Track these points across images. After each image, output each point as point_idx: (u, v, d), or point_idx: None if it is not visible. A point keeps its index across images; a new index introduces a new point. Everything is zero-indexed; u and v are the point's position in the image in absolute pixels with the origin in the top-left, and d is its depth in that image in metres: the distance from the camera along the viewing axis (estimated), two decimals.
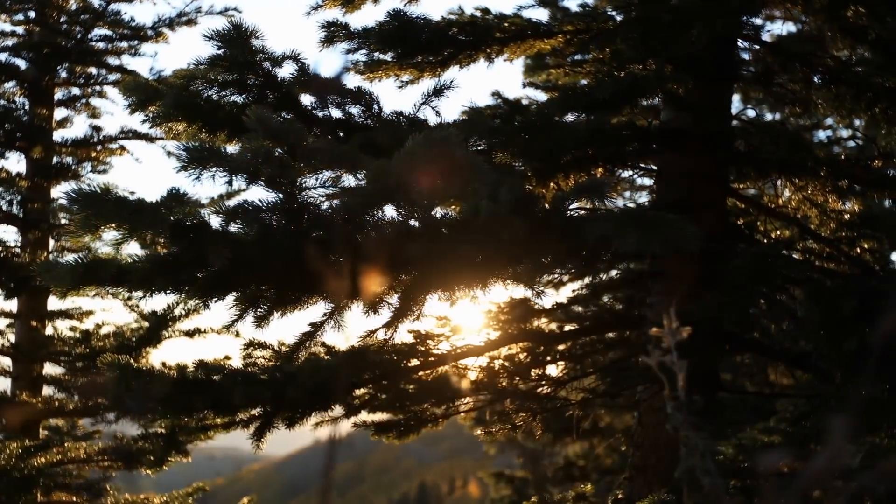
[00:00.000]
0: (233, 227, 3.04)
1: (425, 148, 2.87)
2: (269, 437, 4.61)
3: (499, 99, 4.53)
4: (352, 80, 5.47)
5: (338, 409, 4.36)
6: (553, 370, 4.90)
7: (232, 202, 3.13)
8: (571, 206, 3.33)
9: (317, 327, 3.48)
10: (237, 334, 5.50)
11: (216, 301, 3.16)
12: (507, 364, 4.75)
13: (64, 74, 6.66)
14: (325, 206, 3.04)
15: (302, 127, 2.86)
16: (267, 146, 2.75)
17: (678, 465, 4.19)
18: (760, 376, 10.63)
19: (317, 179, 2.95)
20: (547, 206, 3.26)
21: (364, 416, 4.70)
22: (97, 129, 6.70)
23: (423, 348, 4.41)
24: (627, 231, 3.05)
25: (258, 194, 2.97)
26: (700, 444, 1.93)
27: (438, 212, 3.25)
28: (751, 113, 5.09)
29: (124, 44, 6.49)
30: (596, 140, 3.82)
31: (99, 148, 6.70)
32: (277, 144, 2.79)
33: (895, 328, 1.32)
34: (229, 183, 2.78)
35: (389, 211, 3.21)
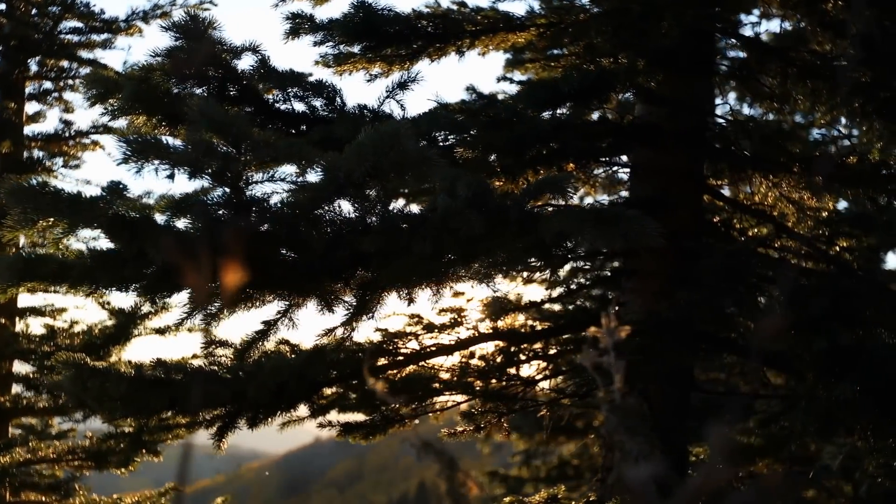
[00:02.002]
0: (181, 223, 2.96)
1: (374, 141, 2.79)
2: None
3: (473, 93, 4.44)
4: (321, 74, 5.40)
5: (303, 409, 4.29)
6: (528, 370, 4.82)
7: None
8: (533, 203, 3.24)
9: (270, 325, 3.40)
10: (207, 332, 5.39)
11: (164, 298, 3.08)
12: (480, 363, 4.67)
13: (35, 68, 6.57)
14: (274, 200, 2.95)
15: (246, 119, 2.78)
16: (209, 138, 2.67)
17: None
18: (753, 376, 10.54)
19: (264, 173, 2.87)
20: (508, 202, 3.18)
21: (335, 415, 4.63)
22: (68, 123, 6.62)
23: (390, 347, 4.33)
24: (585, 227, 2.97)
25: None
26: (634, 449, 1.85)
27: (396, 207, 3.17)
28: (727, 108, 5.00)
29: (97, 37, 6.40)
30: (560, 135, 3.73)
31: (71, 143, 6.61)
32: (221, 137, 2.70)
33: (776, 327, 1.24)
34: (171, 177, 2.69)
35: (346, 206, 3.14)
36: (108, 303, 5.67)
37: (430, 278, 3.09)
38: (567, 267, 5.53)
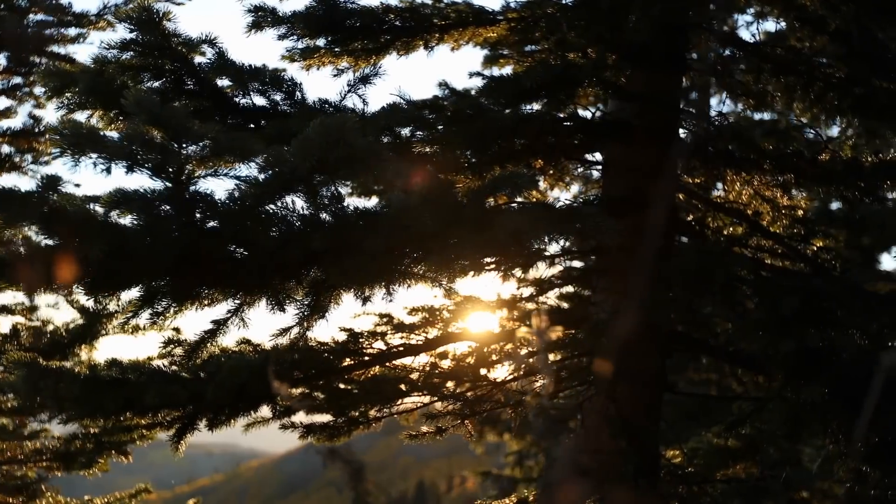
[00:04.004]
0: (126, 220, 2.88)
1: (320, 135, 2.70)
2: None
3: (446, 89, 4.35)
4: (290, 69, 5.29)
5: (265, 410, 4.19)
6: (501, 370, 4.73)
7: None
8: (491, 200, 3.16)
9: (220, 325, 3.31)
10: (178, 331, 5.31)
11: (108, 297, 2.99)
12: (452, 364, 4.59)
13: (3, 62, 6.49)
14: (220, 196, 2.87)
15: (187, 111, 2.69)
16: (146, 131, 2.58)
17: (621, 469, 3.97)
18: (748, 377, 10.48)
19: (207, 168, 2.79)
20: (464, 199, 3.09)
21: (302, 416, 4.54)
22: (37, 119, 6.55)
23: (354, 347, 4.25)
24: (541, 225, 2.89)
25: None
26: (560, 454, 1.78)
27: (350, 204, 3.08)
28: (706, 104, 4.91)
29: (67, 31, 6.31)
30: (522, 130, 3.64)
31: (41, 139, 6.53)
32: (160, 130, 2.62)
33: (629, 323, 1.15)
34: (107, 170, 2.61)
35: (299, 203, 3.05)
36: (77, 300, 5.58)
37: (382, 276, 3.01)
38: (558, 268, 5.46)
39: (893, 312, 3.92)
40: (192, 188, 2.80)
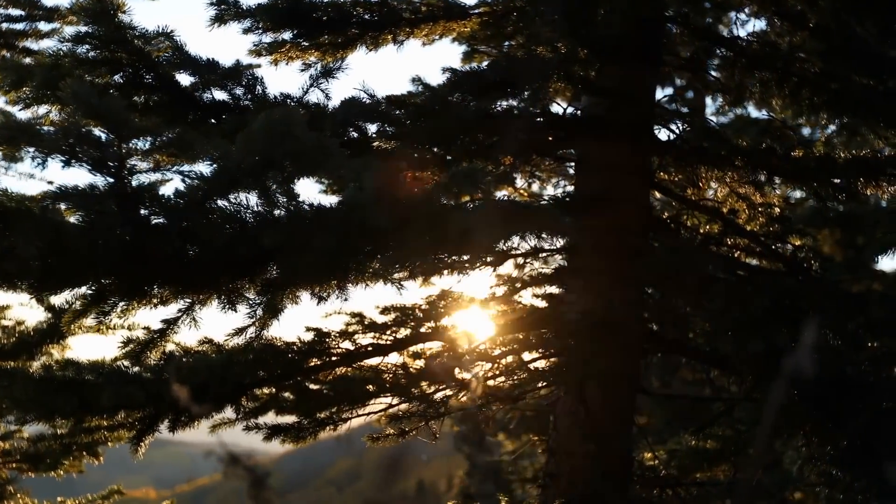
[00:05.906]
0: (73, 218, 2.80)
1: (265, 129, 2.62)
2: None
3: (420, 84, 4.26)
4: (258, 64, 5.20)
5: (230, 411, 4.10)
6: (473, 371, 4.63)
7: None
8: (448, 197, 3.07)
9: (170, 324, 3.23)
10: (148, 329, 5.22)
11: (51, 295, 2.92)
12: (425, 364, 4.50)
13: None
14: (166, 191, 2.79)
15: (125, 105, 2.61)
16: (83, 124, 2.50)
17: (590, 472, 3.88)
18: (732, 379, 10.36)
19: (150, 162, 2.71)
20: (420, 195, 3.01)
21: (272, 416, 4.46)
22: (8, 115, 6.44)
23: (321, 347, 4.16)
24: (494, 222, 2.81)
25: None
26: (485, 464, 1.69)
27: (304, 200, 3.00)
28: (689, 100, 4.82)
29: (38, 26, 6.22)
30: (486, 125, 3.56)
31: None
32: (98, 122, 2.54)
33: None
34: (43, 164, 2.53)
35: (252, 199, 2.97)
36: (43, 298, 5.46)
37: (334, 274, 2.93)
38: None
39: (869, 312, 3.83)
40: (136, 183, 2.72)
